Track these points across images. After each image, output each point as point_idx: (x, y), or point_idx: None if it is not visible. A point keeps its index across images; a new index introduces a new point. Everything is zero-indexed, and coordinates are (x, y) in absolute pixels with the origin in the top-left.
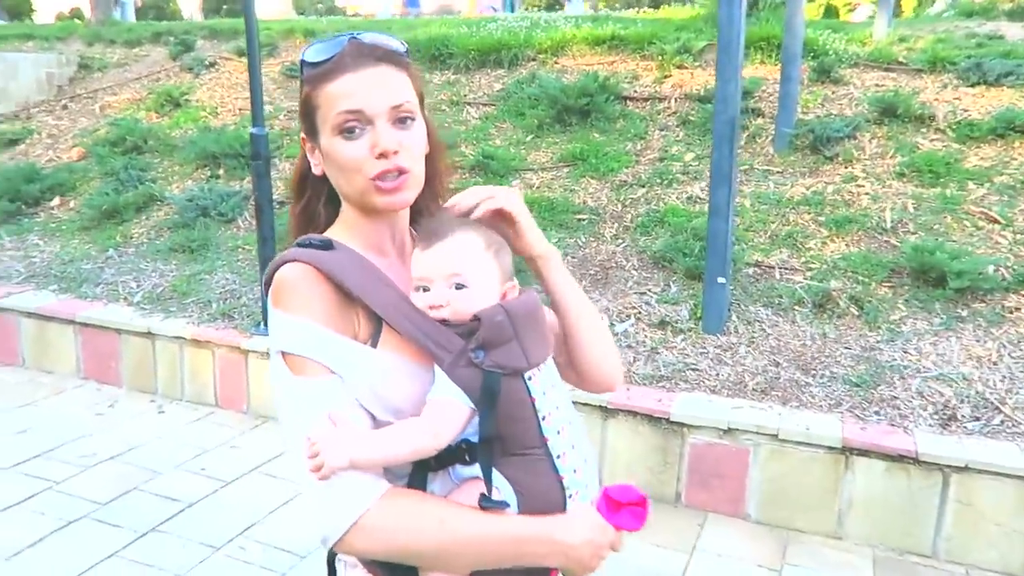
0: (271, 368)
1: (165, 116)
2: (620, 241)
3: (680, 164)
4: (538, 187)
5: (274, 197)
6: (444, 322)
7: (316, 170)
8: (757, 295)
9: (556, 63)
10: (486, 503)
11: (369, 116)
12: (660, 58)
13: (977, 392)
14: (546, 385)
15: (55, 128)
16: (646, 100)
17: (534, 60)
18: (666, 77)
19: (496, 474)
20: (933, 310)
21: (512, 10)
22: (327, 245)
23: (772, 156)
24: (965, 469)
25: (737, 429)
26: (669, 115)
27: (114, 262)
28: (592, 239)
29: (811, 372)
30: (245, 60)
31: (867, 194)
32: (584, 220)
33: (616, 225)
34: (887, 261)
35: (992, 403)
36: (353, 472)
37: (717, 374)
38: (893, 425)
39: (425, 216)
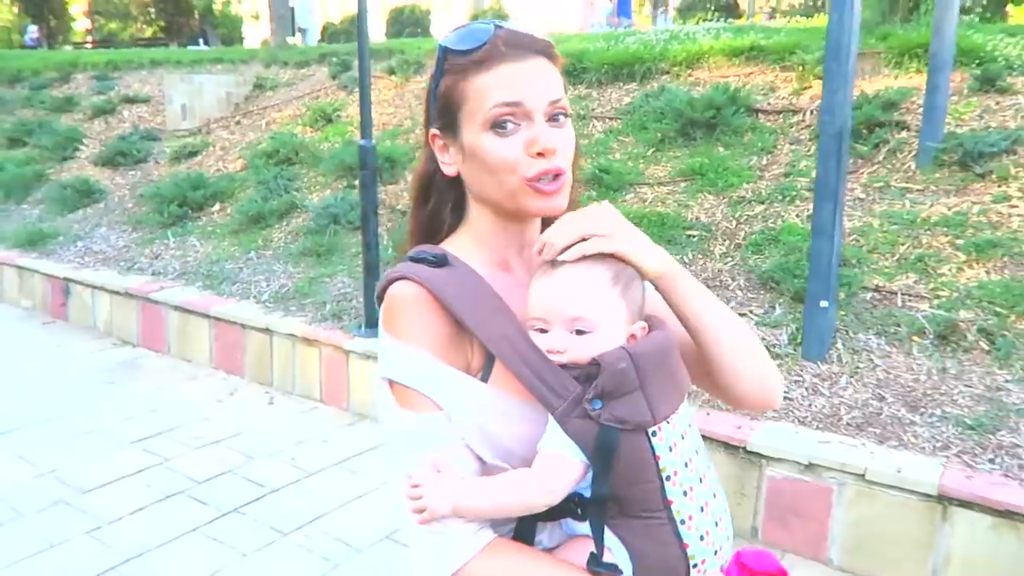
0: (378, 393)
1: (318, 130)
2: (729, 259)
3: (807, 180)
4: (651, 202)
5: (398, 206)
6: (562, 366)
7: (449, 170)
8: (871, 322)
9: (690, 76)
10: (594, 567)
11: (528, 110)
12: (800, 68)
13: None
14: (674, 438)
15: (227, 141)
16: (779, 113)
17: (667, 73)
18: (805, 88)
19: (610, 535)
20: None
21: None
22: (442, 261)
23: (914, 173)
24: None
25: (820, 465)
26: (802, 128)
27: (252, 263)
28: (700, 256)
29: (919, 410)
30: (394, 78)
31: (1020, 216)
32: (694, 236)
33: (727, 242)
34: None
35: None
36: (456, 520)
37: (810, 404)
38: (1008, 476)
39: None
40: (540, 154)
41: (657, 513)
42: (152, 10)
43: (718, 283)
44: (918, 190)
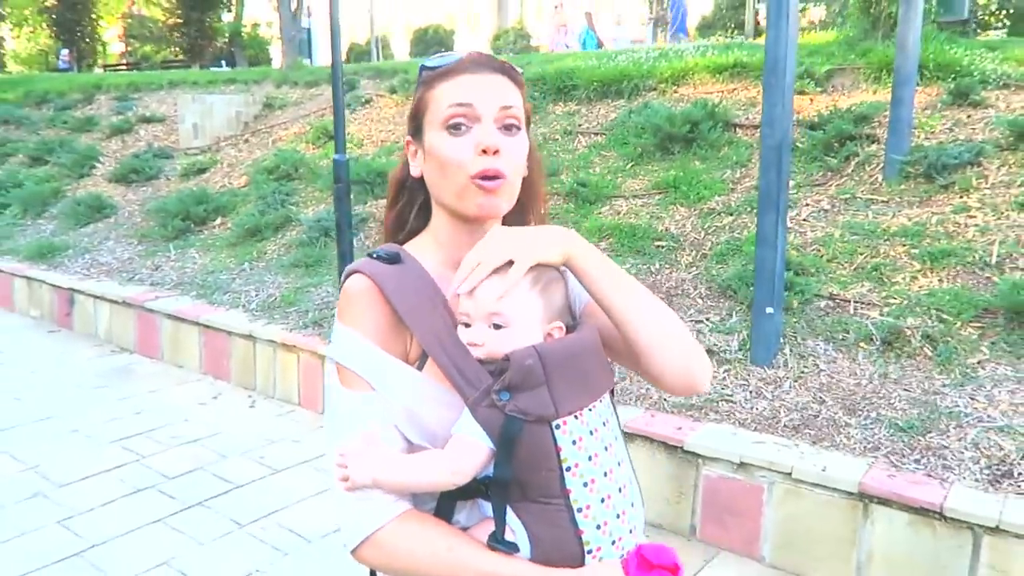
0: (325, 373)
1: (319, 147)
2: (694, 269)
3: None
4: (624, 214)
5: None
6: (481, 361)
7: (415, 171)
8: (821, 329)
9: (675, 92)
10: (493, 543)
11: (477, 113)
12: None
13: None
14: (581, 432)
15: (235, 159)
16: (756, 127)
17: (654, 90)
18: None
19: (512, 517)
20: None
21: (593, 46)
22: (393, 259)
23: (880, 185)
24: (997, 530)
25: (751, 464)
26: None
27: (245, 274)
28: (667, 266)
29: (856, 413)
30: (396, 96)
31: (976, 226)
32: (663, 247)
33: (694, 253)
34: (981, 299)
35: None
36: (377, 490)
37: (752, 407)
38: (931, 476)
39: None
40: (484, 151)
41: (555, 500)
42: (176, 33)
43: (680, 291)
44: (882, 201)
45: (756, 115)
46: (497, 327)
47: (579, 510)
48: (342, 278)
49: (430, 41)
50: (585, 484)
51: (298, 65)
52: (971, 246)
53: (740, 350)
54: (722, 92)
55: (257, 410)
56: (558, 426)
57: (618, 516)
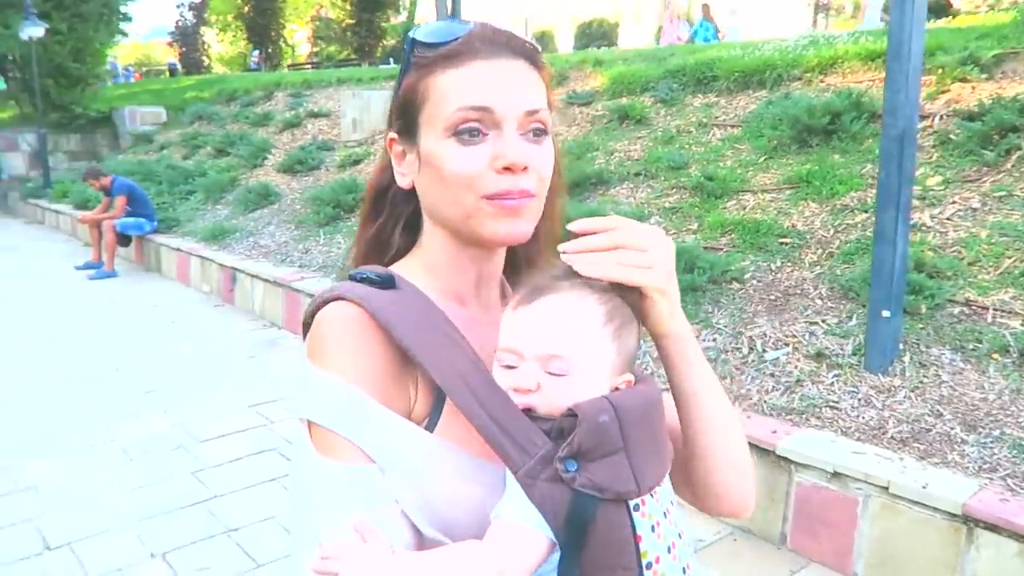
0: (296, 435)
1: None
2: (817, 268)
3: (919, 188)
4: (751, 209)
5: None
6: (528, 411)
7: (403, 181)
8: (950, 337)
9: (822, 81)
10: None
11: (497, 118)
12: (940, 71)
13: None
14: (658, 516)
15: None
16: None
17: (800, 79)
18: (941, 92)
19: None
20: None
21: (711, 38)
22: (387, 282)
23: None
24: None
25: (846, 475)
26: (928, 135)
27: None
28: (788, 264)
29: (977, 429)
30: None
31: None
32: (787, 244)
33: (820, 251)
34: None
35: None
36: None
37: (858, 416)
38: None
39: (525, 269)
40: (507, 169)
41: None
42: (348, 33)
43: (799, 291)
44: None
45: None
46: (554, 375)
47: None
48: (311, 306)
49: (594, 34)
50: None
51: None
52: None
53: (854, 355)
54: (873, 81)
55: (295, 419)
56: (637, 507)
57: None
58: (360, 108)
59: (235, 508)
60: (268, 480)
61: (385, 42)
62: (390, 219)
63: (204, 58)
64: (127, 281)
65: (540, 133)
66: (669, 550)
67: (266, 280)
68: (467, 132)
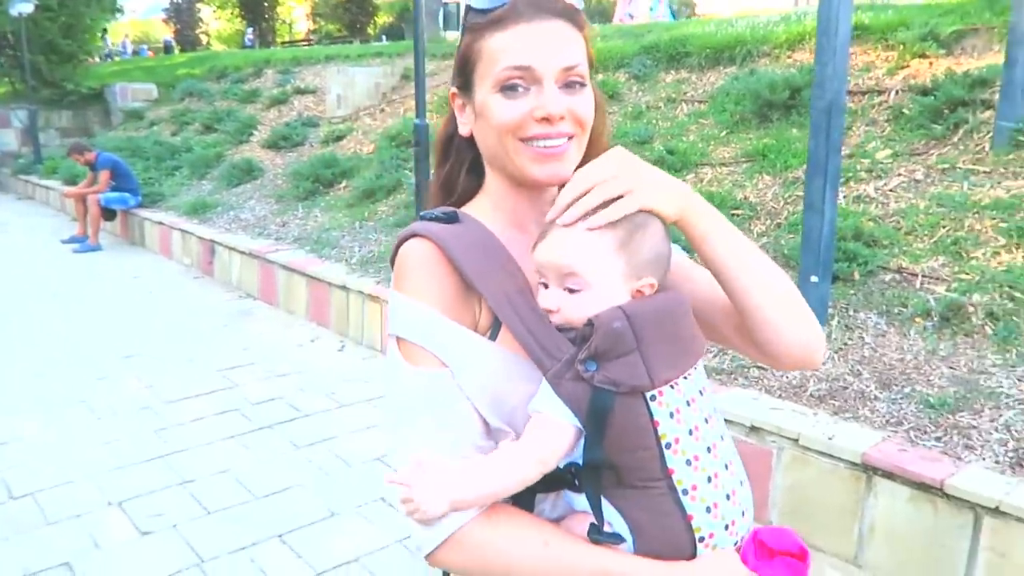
0: (388, 350)
1: (443, 116)
2: (764, 238)
3: (868, 161)
4: (708, 182)
5: None
6: (560, 327)
7: (463, 130)
8: (878, 302)
9: (789, 57)
10: (595, 536)
11: (538, 75)
12: (901, 47)
13: None
14: (678, 404)
15: (369, 127)
16: (864, 93)
17: (768, 56)
18: (901, 68)
19: (608, 506)
20: None
21: (673, 17)
22: (452, 218)
23: (986, 154)
24: (998, 512)
25: (762, 429)
26: (883, 109)
27: (355, 231)
28: None
29: (890, 387)
30: None
31: None
32: (739, 215)
33: (769, 222)
34: None
35: None
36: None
37: (783, 375)
38: (947, 454)
39: None
40: (545, 119)
41: (656, 483)
42: (340, 10)
43: None
44: (984, 172)
45: (868, 80)
46: (572, 291)
47: (684, 492)
48: (395, 244)
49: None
50: (688, 462)
51: (436, 38)
52: None
53: None
54: None
55: (345, 353)
56: (653, 397)
57: (728, 497)
58: (345, 85)
59: (192, 462)
60: (227, 437)
61: (377, 19)
62: (456, 164)
63: (203, 36)
64: (111, 254)
65: (577, 85)
66: (691, 432)
67: (243, 252)
68: (511, 87)
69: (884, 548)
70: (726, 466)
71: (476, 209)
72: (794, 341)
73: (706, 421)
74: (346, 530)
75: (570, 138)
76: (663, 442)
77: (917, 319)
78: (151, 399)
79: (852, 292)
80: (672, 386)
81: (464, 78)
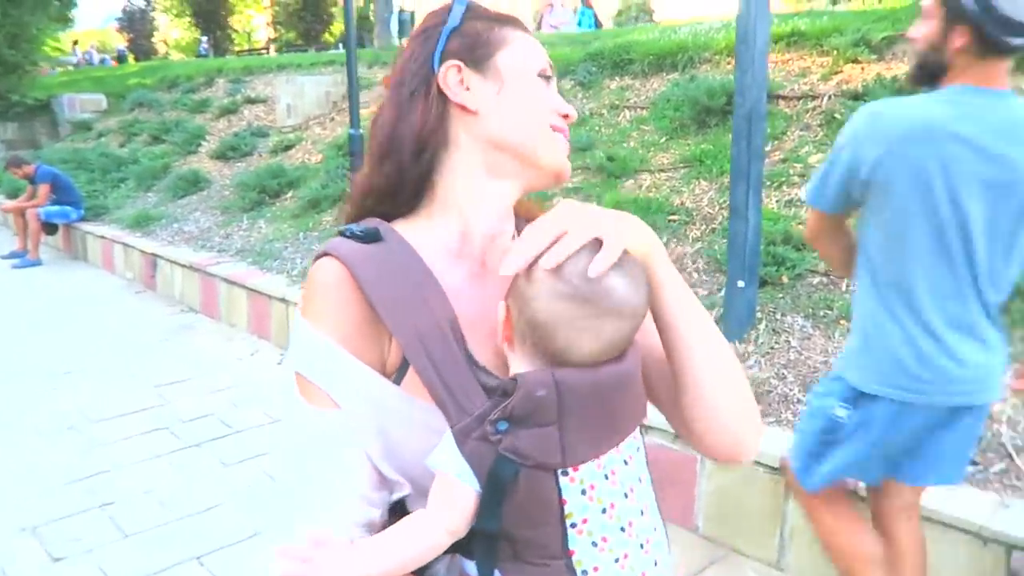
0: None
1: None
2: (699, 243)
3: (800, 166)
4: (646, 188)
5: None
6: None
7: (472, 103)
8: (805, 305)
9: (729, 63)
10: None
11: (551, 74)
12: (835, 53)
13: (995, 435)
14: (595, 479)
15: (318, 136)
16: (799, 99)
17: (710, 62)
18: (835, 73)
19: None
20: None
21: (590, 26)
22: (372, 236)
23: None
24: None
25: None
26: (817, 114)
27: (298, 243)
28: (674, 240)
29: (813, 389)
30: None
31: None
32: (675, 221)
33: (704, 227)
34: None
35: (1005, 449)
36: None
37: None
38: None
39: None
40: (566, 116)
41: (553, 562)
42: (295, 18)
43: (679, 266)
44: None
45: (803, 86)
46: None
47: (584, 572)
48: (312, 263)
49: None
50: (594, 543)
51: (389, 46)
52: None
53: (716, 324)
54: (776, 62)
55: (284, 367)
56: (565, 472)
57: None
58: (294, 94)
59: (114, 484)
60: (153, 457)
61: (334, 28)
62: (409, 166)
63: (161, 45)
64: (51, 269)
65: None
66: (605, 511)
67: (184, 266)
68: (546, 77)
69: (805, 552)
70: (641, 545)
71: (410, 227)
72: (727, 424)
73: (626, 496)
74: (268, 549)
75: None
76: (568, 521)
77: (842, 321)
78: (79, 419)
79: (780, 296)
80: (596, 462)
81: (478, 55)
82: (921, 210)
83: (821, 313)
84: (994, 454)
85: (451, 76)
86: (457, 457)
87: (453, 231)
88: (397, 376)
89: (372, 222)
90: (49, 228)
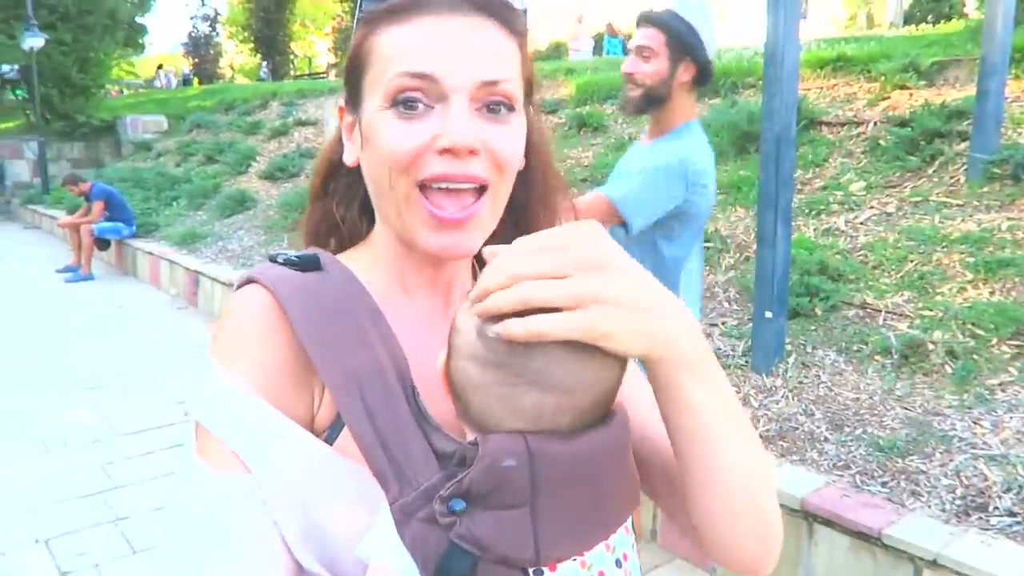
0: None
1: None
2: (733, 271)
3: (842, 193)
4: None
5: None
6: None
7: (348, 158)
8: (838, 339)
9: None
10: None
11: (443, 88)
12: (882, 79)
13: None
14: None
15: None
16: (842, 125)
17: (753, 87)
18: (882, 99)
19: None
20: None
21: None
22: (310, 263)
23: (960, 187)
24: (936, 565)
25: None
26: (861, 140)
27: None
28: (708, 267)
29: (842, 428)
30: None
31: None
32: (709, 248)
33: (738, 255)
34: None
35: None
36: None
37: None
38: (892, 501)
39: None
40: (448, 150)
41: None
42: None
43: (710, 294)
44: (957, 205)
45: (848, 111)
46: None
47: None
48: (235, 288)
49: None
50: None
51: None
52: None
53: (743, 356)
54: (823, 87)
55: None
56: (540, 572)
57: None
58: (327, 114)
59: (130, 499)
60: (170, 473)
61: None
62: (343, 200)
63: (228, 69)
64: (101, 284)
65: (501, 108)
66: None
67: (223, 283)
68: (405, 103)
69: None
70: None
71: (356, 258)
72: (746, 546)
73: None
74: None
75: (482, 188)
76: None
77: (876, 357)
78: (105, 432)
79: (812, 328)
80: (575, 558)
81: (352, 87)
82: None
83: (855, 348)
84: None
85: (344, 118)
86: (396, 544)
87: (394, 273)
88: (328, 435)
89: (312, 249)
90: (101, 244)
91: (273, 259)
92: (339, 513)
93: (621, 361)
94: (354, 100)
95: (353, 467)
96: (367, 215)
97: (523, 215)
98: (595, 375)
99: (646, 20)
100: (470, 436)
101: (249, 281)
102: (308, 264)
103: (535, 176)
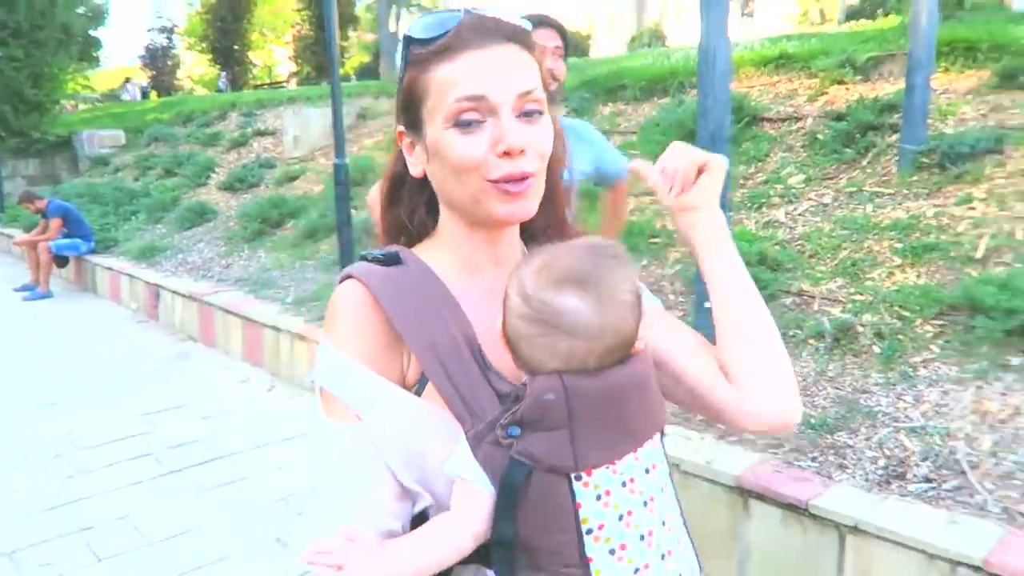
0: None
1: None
2: (678, 265)
3: (781, 187)
4: (630, 211)
5: None
6: (500, 393)
7: (415, 170)
8: (777, 326)
9: None
10: None
11: (492, 104)
12: (821, 75)
13: (951, 452)
14: (611, 484)
15: (323, 167)
16: (783, 121)
17: None
18: (821, 94)
19: None
20: (976, 355)
21: None
22: (392, 259)
23: (892, 177)
24: (857, 530)
25: None
26: (801, 135)
27: (293, 272)
28: (654, 262)
29: None
30: None
31: (972, 219)
32: (656, 244)
33: (684, 250)
34: (947, 296)
35: (960, 466)
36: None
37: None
38: (820, 474)
39: (540, 237)
40: (506, 153)
41: (571, 569)
42: (308, 52)
43: (656, 288)
44: (888, 195)
45: (788, 108)
46: None
47: None
48: (338, 282)
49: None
50: (612, 551)
51: (394, 77)
52: (960, 240)
53: None
54: (765, 85)
55: (273, 394)
56: (579, 477)
57: None
58: (300, 126)
59: (94, 509)
60: (135, 483)
61: (348, 60)
62: (411, 206)
63: (186, 81)
64: (60, 301)
65: (535, 113)
66: (622, 518)
67: (184, 295)
68: (467, 122)
69: (761, 570)
70: (663, 556)
71: (426, 250)
72: (772, 394)
73: (645, 504)
74: (236, 572)
75: (529, 176)
76: (584, 527)
77: (811, 341)
78: (66, 446)
79: None
80: (612, 466)
81: (411, 115)
82: None
83: (791, 333)
84: (948, 471)
85: (403, 140)
86: (472, 462)
87: (465, 259)
88: (417, 389)
89: (393, 247)
90: (60, 261)
91: (364, 258)
92: (430, 445)
93: (635, 314)
94: (414, 126)
95: (438, 410)
96: (432, 215)
97: (552, 189)
98: (613, 324)
99: (546, 23)
100: (525, 379)
101: (347, 277)
102: (391, 260)
103: (556, 161)
